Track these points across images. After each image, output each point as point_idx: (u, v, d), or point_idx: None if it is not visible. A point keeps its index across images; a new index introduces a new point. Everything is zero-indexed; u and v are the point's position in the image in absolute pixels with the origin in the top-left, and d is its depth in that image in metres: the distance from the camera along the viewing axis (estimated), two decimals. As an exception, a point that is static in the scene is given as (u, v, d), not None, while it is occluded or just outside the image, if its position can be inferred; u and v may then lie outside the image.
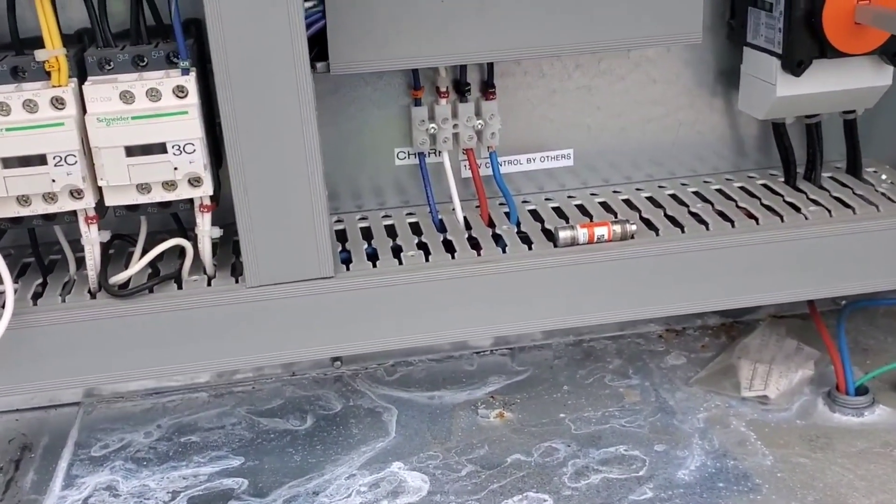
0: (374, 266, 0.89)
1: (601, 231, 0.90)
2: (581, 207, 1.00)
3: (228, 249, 0.92)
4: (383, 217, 1.01)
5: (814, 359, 1.04)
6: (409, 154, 1.01)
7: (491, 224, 0.97)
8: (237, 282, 0.87)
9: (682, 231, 0.93)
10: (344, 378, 1.08)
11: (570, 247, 0.90)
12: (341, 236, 0.97)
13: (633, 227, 0.91)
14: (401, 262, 0.90)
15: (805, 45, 0.90)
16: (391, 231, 0.97)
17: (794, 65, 0.90)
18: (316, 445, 0.96)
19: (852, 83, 0.93)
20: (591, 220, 0.96)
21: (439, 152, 0.99)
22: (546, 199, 1.03)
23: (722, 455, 0.91)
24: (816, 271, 0.93)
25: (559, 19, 0.88)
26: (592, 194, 1.03)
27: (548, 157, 1.03)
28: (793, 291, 0.94)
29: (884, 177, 1.03)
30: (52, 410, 1.05)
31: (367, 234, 0.97)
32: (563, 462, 0.91)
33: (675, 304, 0.92)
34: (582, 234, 0.90)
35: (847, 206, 0.96)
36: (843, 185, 1.02)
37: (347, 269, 0.89)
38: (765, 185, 1.03)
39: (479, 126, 0.97)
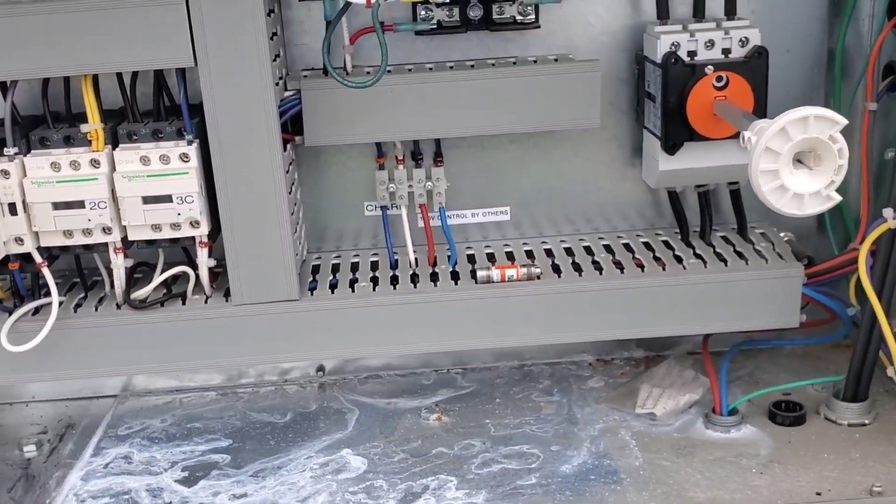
0: (332, 293, 1.15)
1: (511, 272, 1.14)
2: (509, 254, 1.24)
3: (223, 278, 1.20)
4: (353, 256, 1.27)
5: (705, 386, 1.25)
6: (375, 207, 1.27)
7: (434, 264, 1.22)
8: (227, 301, 1.14)
9: (580, 275, 1.16)
10: (325, 385, 1.34)
11: (486, 284, 1.15)
12: (316, 270, 1.23)
13: (538, 270, 1.15)
14: (353, 291, 1.15)
15: (677, 130, 1.12)
16: (355, 267, 1.23)
17: (669, 146, 1.13)
18: (289, 434, 1.22)
19: (720, 161, 1.15)
20: (513, 263, 1.20)
21: (398, 206, 1.25)
22: (486, 247, 1.27)
23: (602, 456, 1.13)
24: (687, 311, 1.15)
25: (485, 106, 1.12)
26: (524, 243, 1.27)
27: (488, 212, 1.28)
28: (670, 328, 1.16)
29: (767, 238, 1.24)
30: (94, 400, 1.34)
31: (335, 268, 1.23)
32: (475, 455, 1.14)
33: (566, 334, 1.15)
34: (495, 273, 1.14)
35: (722, 259, 1.18)
36: (729, 242, 1.23)
37: (311, 294, 1.15)
38: (664, 242, 1.25)
39: (430, 186, 1.23)
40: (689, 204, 1.25)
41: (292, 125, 1.16)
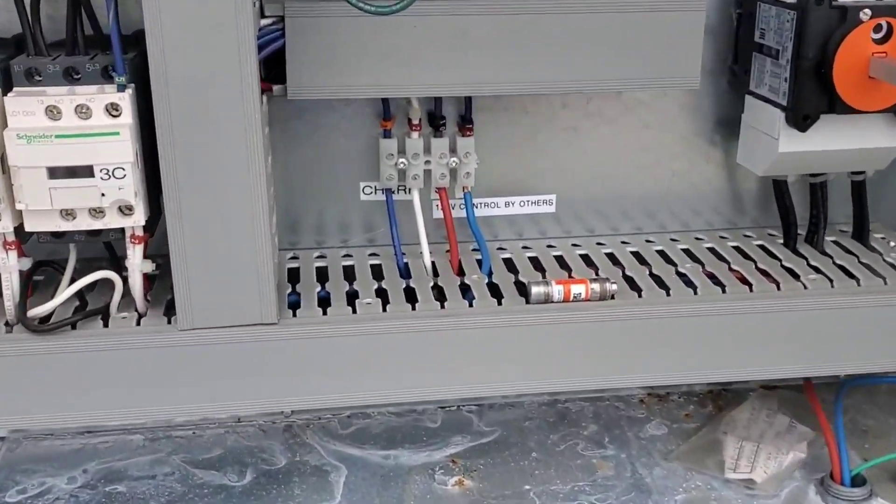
0: (325, 313, 0.81)
1: (578, 289, 0.82)
2: (560, 259, 0.92)
3: (166, 284, 0.84)
4: (344, 256, 0.92)
5: (807, 439, 0.95)
6: (375, 189, 0.92)
7: (460, 272, 0.89)
8: (170, 322, 0.78)
9: (668, 294, 0.84)
10: (294, 428, 0.99)
11: (543, 304, 0.82)
12: (294, 275, 0.88)
13: (614, 287, 0.83)
14: (355, 310, 0.81)
15: (813, 98, 0.81)
16: (349, 273, 0.89)
17: (800, 119, 0.82)
18: (251, 505, 0.87)
19: (862, 142, 0.85)
20: (570, 275, 0.87)
21: (409, 189, 0.90)
22: (524, 248, 0.94)
23: (698, 547, 0.82)
24: (813, 346, 0.85)
25: (546, 54, 0.80)
26: (574, 245, 0.95)
27: (528, 201, 0.95)
28: (785, 367, 0.86)
29: (892, 244, 0.95)
30: (-30, 445, 0.97)
31: (323, 274, 0.89)
32: (521, 543, 0.82)
33: (654, 374, 0.84)
34: (557, 290, 0.81)
35: (851, 275, 0.87)
36: (848, 251, 0.93)
37: (294, 314, 0.80)
38: (762, 247, 0.94)
39: (454, 164, 0.89)
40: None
41: (266, 69, 0.80)
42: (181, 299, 0.75)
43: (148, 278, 0.81)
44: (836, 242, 0.95)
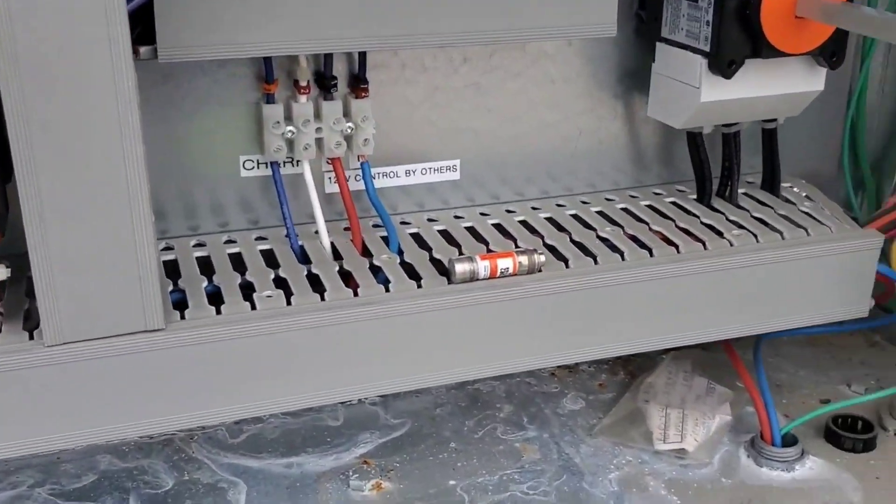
0: (219, 311, 0.69)
1: (505, 263, 0.74)
2: (472, 231, 0.83)
3: (20, 289, 0.69)
4: (226, 243, 0.80)
5: (728, 399, 0.91)
6: (258, 163, 0.81)
7: (366, 252, 0.79)
8: (32, 337, 0.64)
9: (595, 262, 0.78)
10: (176, 442, 0.86)
11: (468, 283, 0.73)
12: (172, 269, 0.76)
13: (542, 258, 0.75)
14: (254, 306, 0.70)
15: (738, 41, 0.76)
16: (238, 262, 0.77)
17: (725, 65, 0.77)
18: (140, 540, 0.75)
19: (785, 87, 0.81)
20: (489, 248, 0.79)
21: (298, 161, 0.79)
22: (429, 220, 0.85)
23: (646, 530, 0.77)
24: (743, 305, 0.80)
25: (445, 2, 0.70)
26: (483, 214, 0.86)
27: (431, 168, 0.86)
28: (720, 329, 0.81)
29: (803, 193, 0.92)
30: None
31: (206, 266, 0.76)
32: (460, 548, 0.74)
33: (592, 348, 0.77)
34: (483, 267, 0.73)
35: (774, 229, 0.84)
36: (762, 203, 0.90)
37: (182, 316, 0.68)
38: (675, 204, 0.89)
39: (349, 130, 0.79)
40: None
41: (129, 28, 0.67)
42: (46, 309, 0.62)
43: (-3, 286, 0.66)
44: (747, 195, 0.91)
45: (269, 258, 0.77)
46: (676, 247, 0.80)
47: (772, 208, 0.88)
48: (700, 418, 0.88)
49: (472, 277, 0.73)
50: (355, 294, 0.71)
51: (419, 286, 0.73)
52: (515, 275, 0.74)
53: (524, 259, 0.74)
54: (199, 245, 0.80)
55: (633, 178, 0.94)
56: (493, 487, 0.81)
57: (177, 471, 0.83)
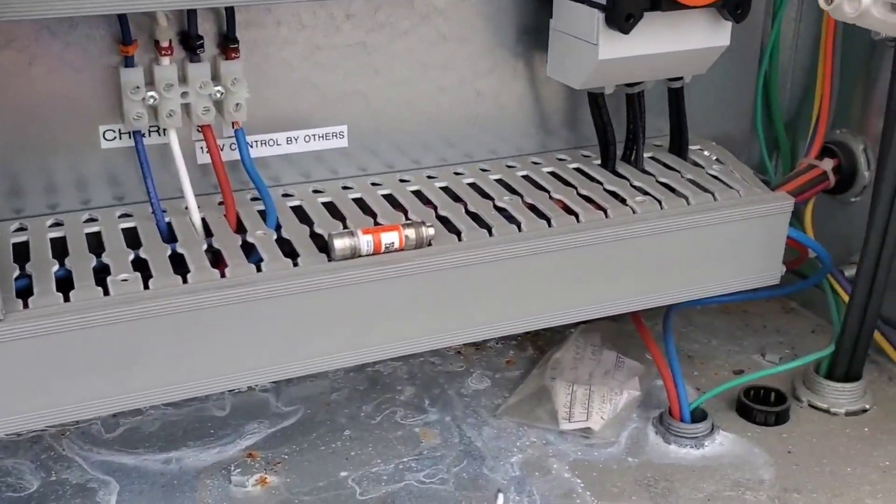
0: (67, 298, 0.62)
1: (390, 237, 0.68)
2: (360, 202, 0.77)
3: None
4: (87, 222, 0.73)
5: (638, 374, 0.87)
6: (120, 133, 0.73)
7: (240, 229, 0.72)
8: None
9: (490, 233, 0.72)
10: (45, 439, 0.79)
11: (349, 259, 0.67)
12: (22, 252, 0.68)
13: (431, 231, 0.69)
14: (107, 291, 0.63)
15: (637, -7, 0.71)
16: (97, 242, 0.70)
17: (623, 19, 0.71)
18: (-2, 551, 0.68)
19: (688, 43, 0.76)
20: (376, 221, 0.73)
21: (164, 130, 0.72)
22: (315, 192, 0.79)
23: (544, 516, 0.72)
24: (649, 275, 0.76)
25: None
26: (374, 184, 0.80)
27: (315, 135, 0.79)
28: (624, 301, 0.77)
29: (713, 156, 0.88)
30: None
31: (61, 247, 0.69)
32: (346, 545, 0.69)
33: (483, 328, 0.72)
34: (365, 241, 0.67)
35: (679, 194, 0.79)
36: (669, 167, 0.85)
37: (25, 304, 0.61)
38: (579, 170, 0.85)
39: (219, 94, 0.72)
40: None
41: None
42: None
43: None
44: (653, 158, 0.87)
45: (133, 237, 0.70)
46: (576, 215, 0.75)
47: (678, 172, 0.84)
48: (607, 394, 0.84)
49: (354, 254, 0.67)
50: (222, 275, 0.65)
51: (295, 264, 0.67)
52: (402, 250, 0.68)
53: (411, 232, 0.68)
54: (57, 224, 0.73)
55: (537, 143, 0.89)
56: (387, 477, 0.76)
57: (44, 471, 0.76)
